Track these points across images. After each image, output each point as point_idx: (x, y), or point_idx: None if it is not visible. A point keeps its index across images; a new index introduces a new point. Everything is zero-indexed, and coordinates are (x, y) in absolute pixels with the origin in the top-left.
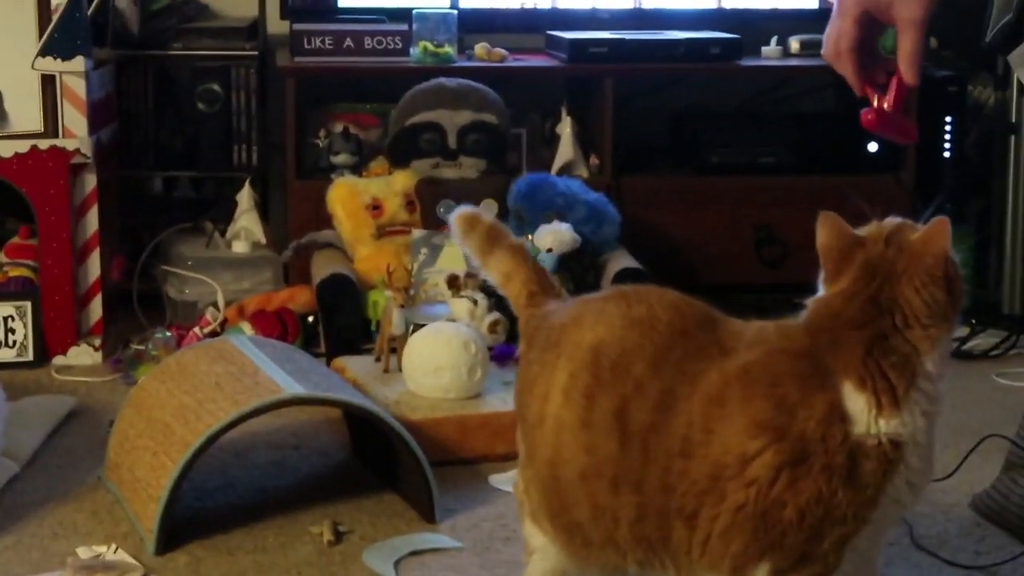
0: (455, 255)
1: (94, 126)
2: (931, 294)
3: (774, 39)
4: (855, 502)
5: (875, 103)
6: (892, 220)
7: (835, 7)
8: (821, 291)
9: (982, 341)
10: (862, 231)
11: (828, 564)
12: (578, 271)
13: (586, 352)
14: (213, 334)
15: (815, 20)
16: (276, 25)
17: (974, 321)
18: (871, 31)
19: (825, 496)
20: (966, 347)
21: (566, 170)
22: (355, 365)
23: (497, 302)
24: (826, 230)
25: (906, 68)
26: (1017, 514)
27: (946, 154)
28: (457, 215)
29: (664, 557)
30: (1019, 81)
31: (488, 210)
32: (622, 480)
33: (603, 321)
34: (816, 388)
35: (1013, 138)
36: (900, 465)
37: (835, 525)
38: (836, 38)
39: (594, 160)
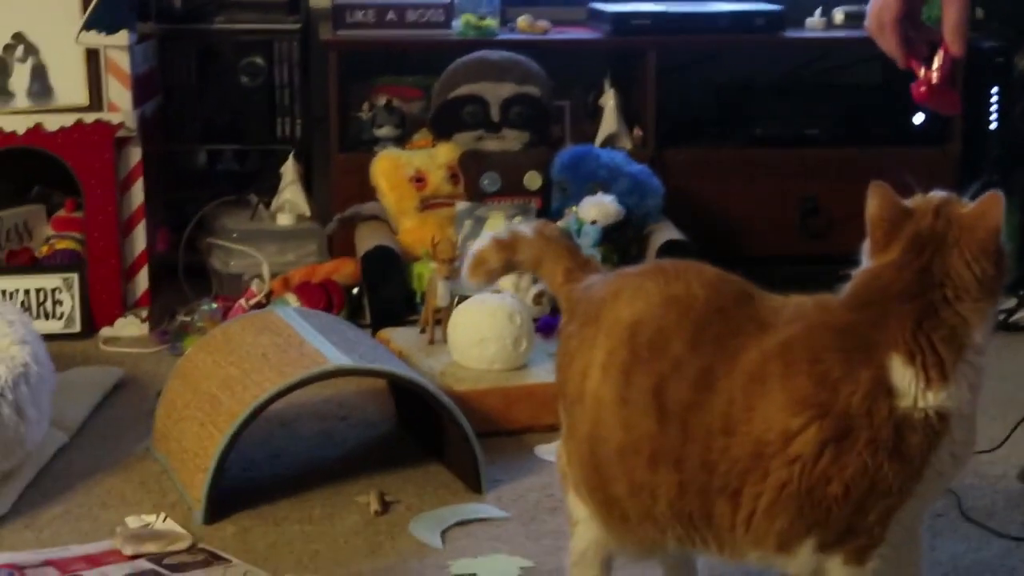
0: (499, 226)
1: (138, 100)
2: (982, 268)
3: (818, 10)
4: (901, 475)
5: (922, 75)
6: (939, 193)
7: None
8: (866, 262)
9: None
10: (910, 202)
11: (874, 537)
12: (622, 243)
13: (624, 329)
14: (259, 306)
15: None
16: None
17: (1022, 293)
18: (915, 2)
19: (871, 470)
20: (1013, 319)
21: (609, 142)
22: (400, 336)
23: None
24: (877, 200)
25: (952, 39)
26: None
27: (992, 126)
28: (468, 262)
29: (706, 534)
30: None
31: (532, 182)
32: (661, 457)
33: (641, 297)
34: (860, 362)
35: None
36: (946, 437)
37: (881, 498)
38: (879, 10)
39: (637, 132)
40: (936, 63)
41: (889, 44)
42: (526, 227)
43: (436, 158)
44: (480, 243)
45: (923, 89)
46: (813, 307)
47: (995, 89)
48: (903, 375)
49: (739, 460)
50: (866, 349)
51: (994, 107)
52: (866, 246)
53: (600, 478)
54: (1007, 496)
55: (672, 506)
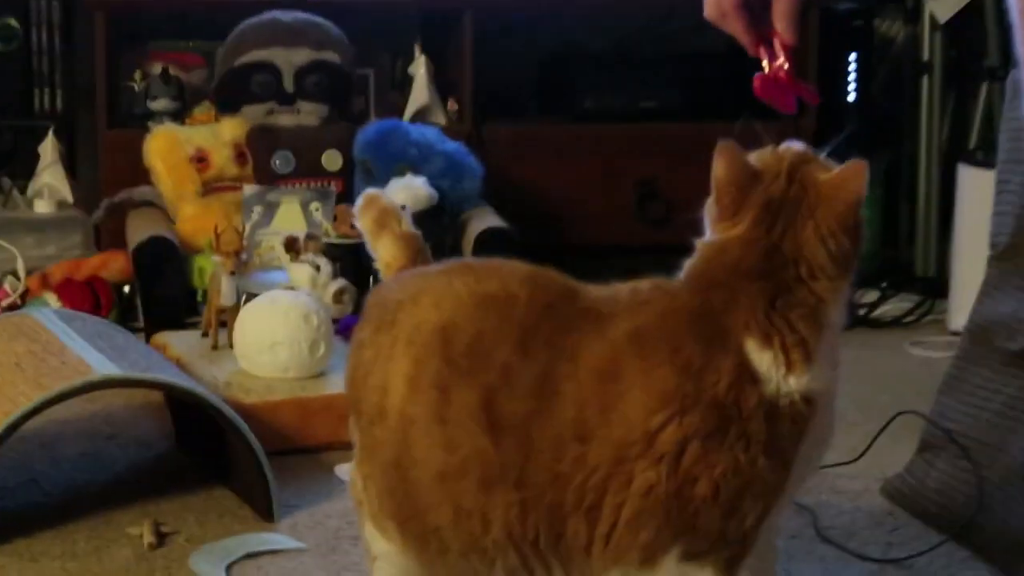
0: (293, 214)
1: None
2: (839, 243)
3: None
4: (774, 469)
5: (767, 66)
6: (791, 147)
7: None
8: (710, 233)
9: (893, 307)
10: (757, 158)
11: (746, 544)
12: (436, 232)
13: (431, 336)
14: (12, 307)
15: None
16: None
17: (884, 285)
18: None
19: (744, 466)
20: (875, 314)
21: (420, 116)
22: (179, 341)
23: (342, 267)
24: (724, 162)
25: (783, 27)
26: (934, 500)
27: (850, 97)
28: (361, 200)
29: (551, 559)
30: (931, 14)
31: (332, 162)
32: (496, 478)
33: (448, 299)
34: (719, 349)
35: (926, 79)
36: (813, 422)
37: (755, 498)
38: None
39: (452, 105)
40: (778, 52)
41: (734, 29)
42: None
43: (220, 135)
44: (377, 191)
45: (758, 83)
46: (653, 291)
47: (853, 56)
48: (760, 360)
49: (598, 468)
50: (722, 334)
51: (852, 76)
52: (710, 213)
53: (413, 507)
54: (868, 513)
55: (510, 531)
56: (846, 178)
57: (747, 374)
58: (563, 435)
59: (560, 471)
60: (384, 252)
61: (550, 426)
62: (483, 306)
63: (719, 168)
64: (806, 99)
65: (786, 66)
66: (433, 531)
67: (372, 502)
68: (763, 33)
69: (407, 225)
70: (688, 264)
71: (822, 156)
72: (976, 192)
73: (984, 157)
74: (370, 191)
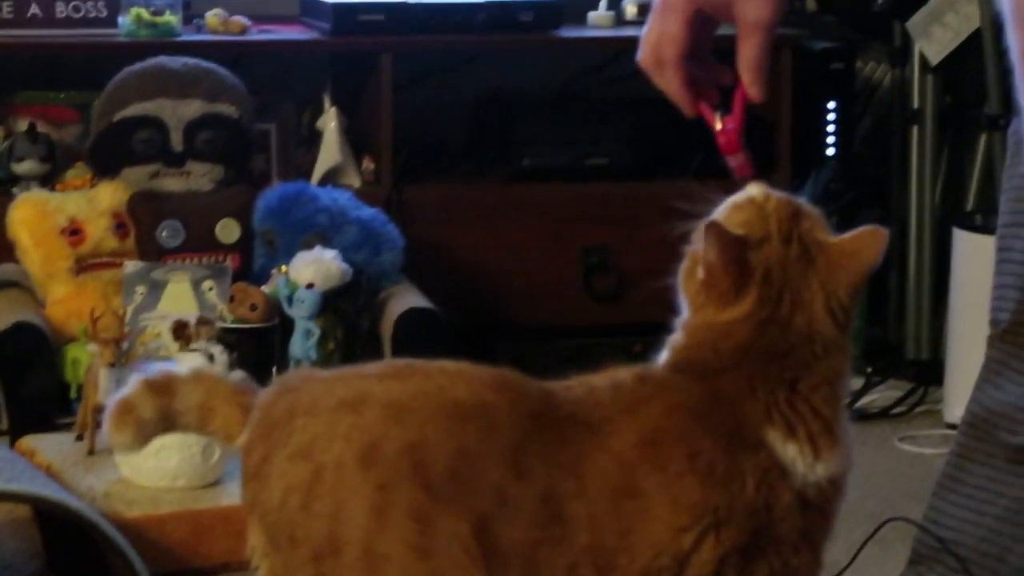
0: (182, 294)
1: None
2: (848, 316)
3: (603, 2)
4: (808, 566)
5: (718, 125)
6: (771, 195)
7: (656, 2)
8: (693, 317)
9: (880, 396)
10: (736, 219)
11: None
12: (349, 313)
13: (397, 457)
14: None
15: None
16: None
17: (870, 370)
18: (704, 32)
19: (778, 571)
20: (860, 404)
21: (331, 178)
22: (49, 446)
23: (241, 356)
24: (718, 242)
25: (750, 80)
26: None
27: (830, 150)
28: (110, 414)
29: None
30: (921, 54)
31: (228, 233)
32: None
33: (411, 413)
34: (741, 446)
35: (916, 129)
36: (838, 502)
37: None
38: (657, 43)
39: (368, 164)
40: (735, 109)
41: (670, 85)
42: (183, 367)
43: (97, 203)
44: (126, 389)
45: (723, 140)
46: (643, 386)
47: (832, 103)
48: (786, 452)
49: None
50: (740, 428)
51: (831, 126)
52: (692, 292)
53: None
54: None
55: None
56: (861, 246)
57: (774, 470)
58: (578, 565)
59: None
60: (189, 401)
61: (562, 555)
62: (457, 419)
63: (714, 251)
64: (736, 171)
65: (733, 125)
66: None
67: None
68: (703, 93)
69: (183, 369)
70: (675, 348)
71: (804, 203)
72: (974, 261)
73: (983, 221)
74: (120, 395)
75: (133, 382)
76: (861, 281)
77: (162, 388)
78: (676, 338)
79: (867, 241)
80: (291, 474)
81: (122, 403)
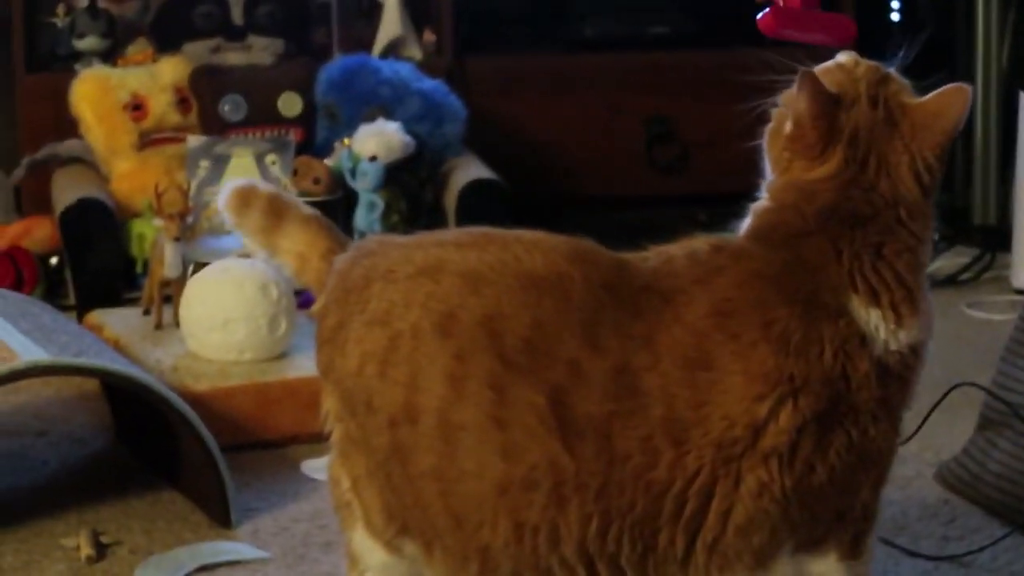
0: (246, 168)
1: None
2: (933, 178)
3: None
4: (886, 434)
5: None
6: (860, 62)
7: None
8: (780, 177)
9: (947, 262)
10: (828, 79)
11: (869, 516)
12: (412, 185)
13: (475, 328)
14: None
15: None
16: None
17: (936, 236)
18: None
19: (856, 440)
20: (928, 270)
21: (392, 50)
22: (116, 321)
23: None
24: (810, 91)
25: None
26: (995, 486)
27: (894, 16)
28: (227, 194)
29: (631, 575)
30: None
31: (289, 106)
32: (572, 489)
33: (487, 282)
34: (819, 313)
35: None
36: (918, 372)
37: (869, 469)
38: None
39: (429, 36)
40: None
41: None
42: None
43: (159, 77)
44: (247, 182)
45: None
46: (718, 255)
47: None
48: (868, 318)
49: (699, 472)
50: (817, 294)
51: None
52: (777, 151)
53: (457, 525)
54: (921, 504)
55: (585, 547)
56: (946, 103)
57: (854, 338)
58: (653, 437)
59: (653, 478)
60: (293, 243)
61: (636, 428)
62: (532, 289)
63: (806, 101)
64: (831, 35)
65: None
66: (480, 550)
67: (369, 508)
68: None
69: (306, 207)
70: (758, 212)
71: (893, 71)
72: None
73: None
74: (238, 182)
75: (259, 183)
76: (948, 140)
77: (278, 210)
78: (760, 202)
79: (951, 99)
80: (368, 340)
81: (246, 188)
